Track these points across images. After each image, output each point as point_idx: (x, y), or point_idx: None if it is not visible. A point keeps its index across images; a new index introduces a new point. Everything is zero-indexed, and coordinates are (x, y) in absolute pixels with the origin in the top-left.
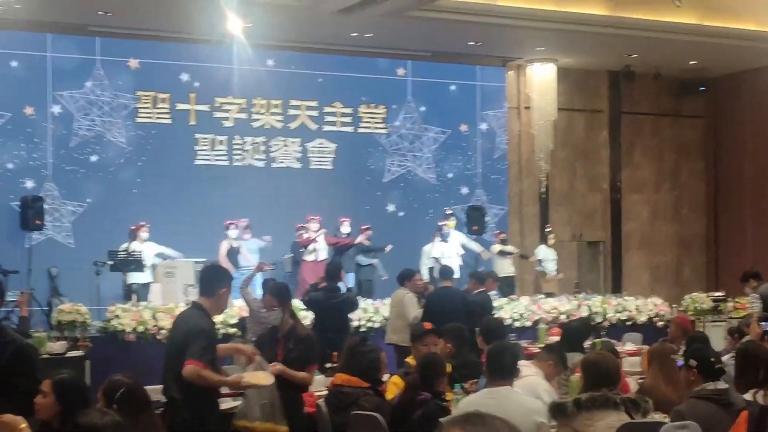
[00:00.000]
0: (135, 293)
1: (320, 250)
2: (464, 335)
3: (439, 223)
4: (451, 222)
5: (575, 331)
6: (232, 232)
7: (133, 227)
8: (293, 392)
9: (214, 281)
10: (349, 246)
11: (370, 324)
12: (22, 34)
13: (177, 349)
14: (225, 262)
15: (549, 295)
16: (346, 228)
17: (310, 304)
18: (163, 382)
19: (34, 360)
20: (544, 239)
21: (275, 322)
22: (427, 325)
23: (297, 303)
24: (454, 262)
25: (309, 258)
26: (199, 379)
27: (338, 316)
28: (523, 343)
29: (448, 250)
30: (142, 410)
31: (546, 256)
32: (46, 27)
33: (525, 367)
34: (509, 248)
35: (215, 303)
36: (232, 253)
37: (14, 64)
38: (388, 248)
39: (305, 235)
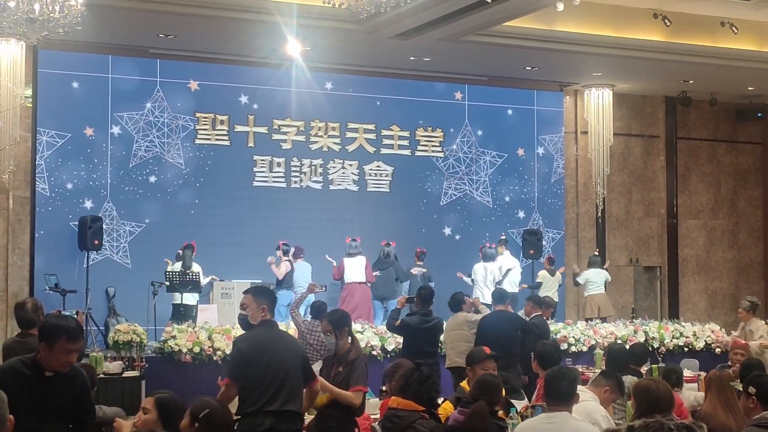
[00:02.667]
0: (183, 312)
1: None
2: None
3: (487, 244)
4: (502, 248)
5: (617, 353)
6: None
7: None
8: (343, 413)
9: (274, 302)
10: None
11: None
12: (83, 55)
13: (298, 367)
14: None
15: (604, 320)
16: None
17: (402, 329)
18: (283, 398)
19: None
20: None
21: (330, 347)
22: (487, 350)
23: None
24: (505, 285)
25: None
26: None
27: (431, 340)
28: (579, 368)
29: (509, 268)
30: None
31: (588, 277)
32: (107, 49)
33: (581, 392)
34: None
35: None
36: (288, 274)
37: (75, 85)
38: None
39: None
